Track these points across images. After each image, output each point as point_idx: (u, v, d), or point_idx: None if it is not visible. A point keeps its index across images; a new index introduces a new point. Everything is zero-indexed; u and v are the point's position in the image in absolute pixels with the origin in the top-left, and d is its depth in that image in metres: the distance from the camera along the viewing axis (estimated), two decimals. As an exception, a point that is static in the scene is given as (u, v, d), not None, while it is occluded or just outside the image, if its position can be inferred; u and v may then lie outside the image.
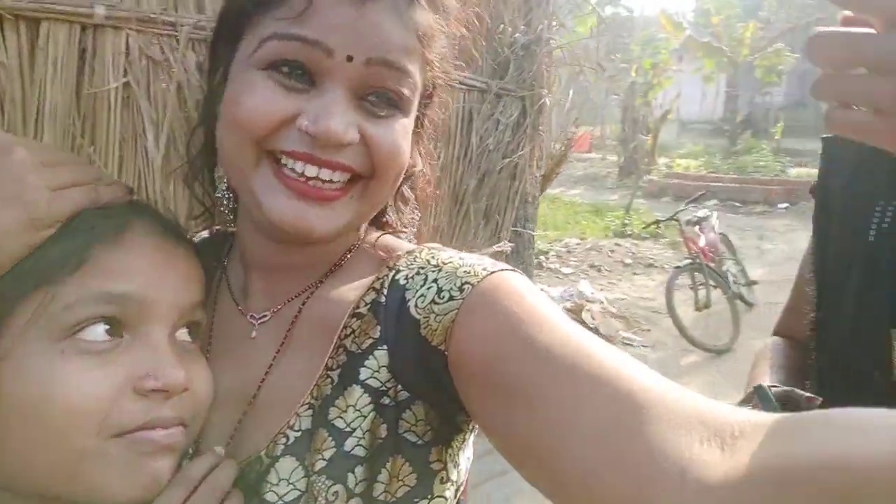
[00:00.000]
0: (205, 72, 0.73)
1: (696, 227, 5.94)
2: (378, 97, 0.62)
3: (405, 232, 0.77)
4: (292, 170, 0.60)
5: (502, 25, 2.54)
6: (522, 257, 3.06)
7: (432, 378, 0.60)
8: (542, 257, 7.78)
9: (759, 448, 0.38)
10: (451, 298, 0.60)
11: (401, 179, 0.68)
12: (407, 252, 0.69)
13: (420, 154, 0.74)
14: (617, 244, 9.08)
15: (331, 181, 0.61)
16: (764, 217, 10.39)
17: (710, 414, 0.44)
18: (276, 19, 0.60)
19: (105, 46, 1.48)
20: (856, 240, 0.92)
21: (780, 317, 1.13)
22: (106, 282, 0.57)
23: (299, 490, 0.61)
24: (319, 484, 0.60)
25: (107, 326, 0.57)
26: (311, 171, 0.60)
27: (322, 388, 0.64)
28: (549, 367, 0.52)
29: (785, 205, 10.88)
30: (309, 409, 0.63)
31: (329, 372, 0.64)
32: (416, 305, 0.62)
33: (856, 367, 0.90)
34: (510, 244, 2.74)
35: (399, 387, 0.62)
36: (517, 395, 0.53)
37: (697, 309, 5.65)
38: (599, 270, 7.87)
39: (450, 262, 0.64)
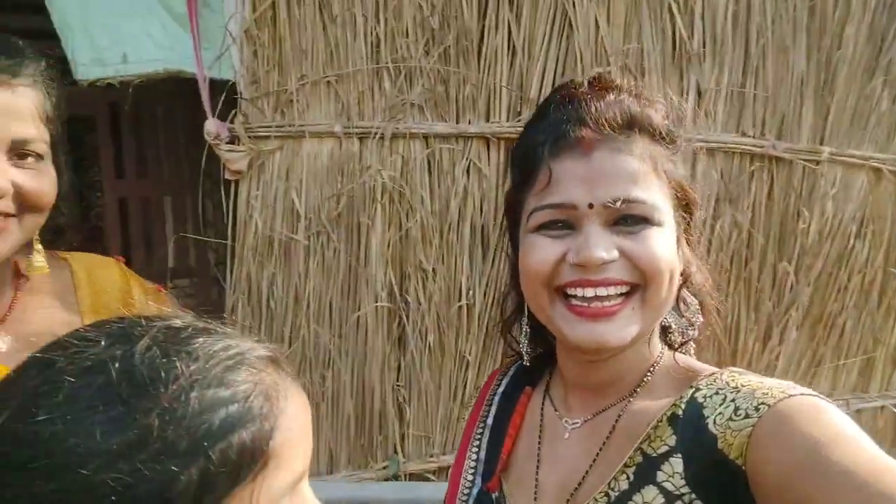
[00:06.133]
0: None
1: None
2: (627, 218, 0.71)
3: (692, 339, 0.82)
4: (580, 298, 0.71)
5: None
6: None
7: (727, 493, 0.63)
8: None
9: None
10: (747, 416, 0.63)
11: (676, 283, 0.75)
12: (709, 374, 0.73)
13: (690, 258, 0.78)
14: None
15: (608, 296, 0.70)
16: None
17: None
18: (534, 195, 0.74)
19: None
20: None
21: None
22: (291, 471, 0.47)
23: None
24: None
25: None
26: (588, 292, 0.70)
27: (619, 482, 0.71)
28: (843, 489, 0.53)
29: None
30: (605, 496, 0.72)
31: (626, 469, 0.72)
32: (714, 422, 0.66)
33: None
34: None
35: (693, 496, 0.66)
36: None
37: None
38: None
39: (748, 385, 0.67)
